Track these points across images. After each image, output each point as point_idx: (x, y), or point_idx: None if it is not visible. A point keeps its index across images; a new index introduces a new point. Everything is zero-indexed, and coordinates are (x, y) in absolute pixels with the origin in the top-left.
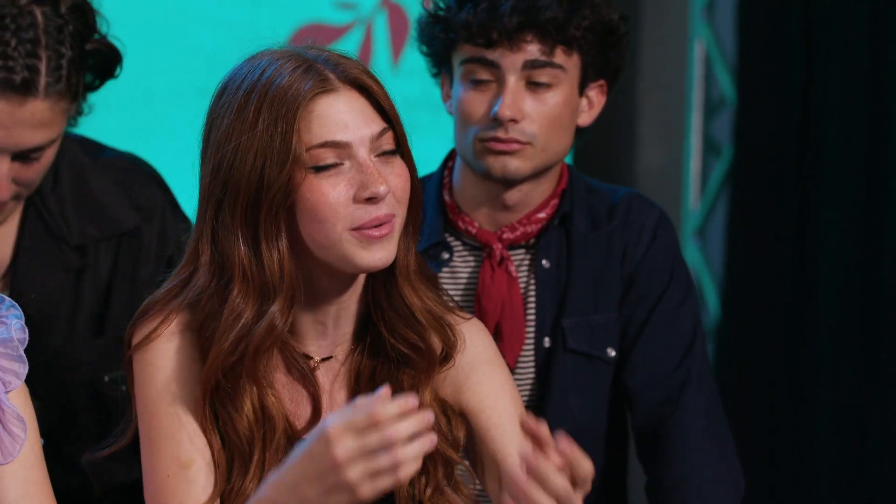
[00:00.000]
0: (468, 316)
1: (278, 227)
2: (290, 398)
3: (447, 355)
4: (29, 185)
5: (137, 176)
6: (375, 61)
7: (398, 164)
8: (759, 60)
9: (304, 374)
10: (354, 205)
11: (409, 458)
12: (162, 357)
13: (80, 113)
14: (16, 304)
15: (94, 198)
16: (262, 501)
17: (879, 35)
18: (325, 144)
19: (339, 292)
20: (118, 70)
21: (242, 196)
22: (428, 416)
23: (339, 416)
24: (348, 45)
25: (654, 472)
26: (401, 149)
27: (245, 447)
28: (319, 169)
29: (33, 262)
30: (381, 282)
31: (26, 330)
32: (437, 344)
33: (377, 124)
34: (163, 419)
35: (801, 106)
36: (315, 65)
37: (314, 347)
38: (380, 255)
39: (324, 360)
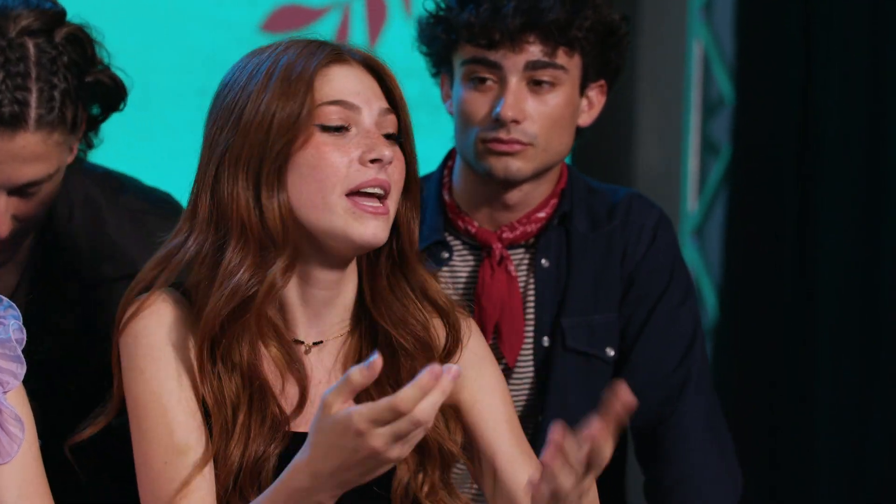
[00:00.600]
0: (466, 314)
1: (281, 180)
2: (277, 382)
3: (451, 348)
4: (30, 221)
5: (154, 218)
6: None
7: (398, 151)
8: (758, 60)
9: (293, 358)
10: (356, 166)
11: (431, 417)
12: (149, 332)
13: (90, 146)
14: (13, 304)
15: (110, 238)
16: (297, 491)
17: (878, 34)
18: (336, 102)
19: (330, 276)
20: (122, 104)
21: (248, 145)
22: (446, 376)
23: (363, 411)
24: (325, 28)
25: (652, 472)
26: (402, 139)
27: (229, 410)
28: (327, 129)
29: (43, 299)
30: (383, 266)
31: (24, 330)
32: (439, 335)
33: (384, 103)
34: (153, 405)
35: (800, 106)
36: (329, 43)
37: (304, 333)
38: (373, 230)
39: (315, 343)
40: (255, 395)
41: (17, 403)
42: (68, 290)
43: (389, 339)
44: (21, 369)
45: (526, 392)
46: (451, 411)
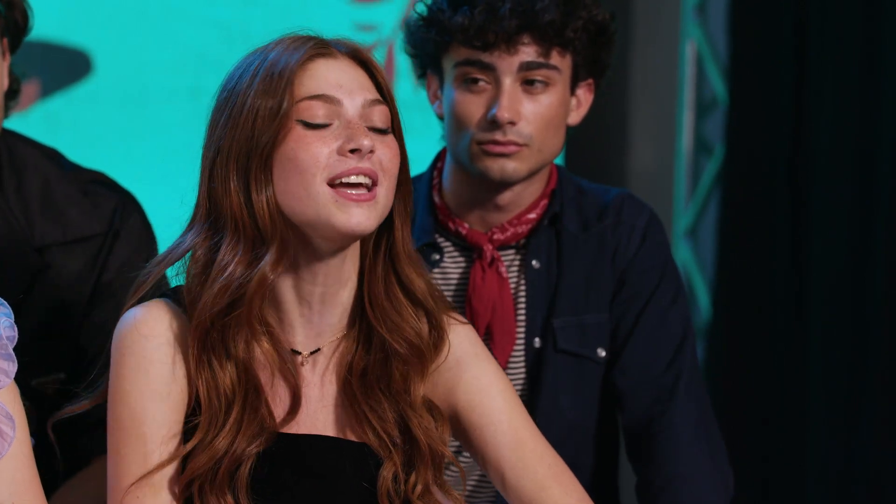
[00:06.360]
0: (463, 320)
1: (268, 177)
2: (268, 383)
3: (436, 344)
4: None
5: (102, 189)
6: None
7: (389, 138)
8: (751, 60)
9: (284, 360)
10: (337, 156)
11: None
12: (138, 348)
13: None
14: (5, 302)
15: (59, 204)
16: None
17: (871, 35)
18: (316, 97)
19: (322, 270)
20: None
21: (235, 147)
22: None
23: None
24: None
25: (644, 472)
26: (394, 130)
27: (222, 403)
28: (308, 125)
29: None
30: (381, 269)
31: (15, 328)
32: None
33: (371, 93)
34: (132, 430)
35: (794, 106)
36: (315, 37)
37: (301, 338)
38: (358, 219)
39: (312, 353)
40: (250, 392)
41: (9, 402)
42: (21, 256)
43: (384, 342)
44: (13, 367)
45: (517, 393)
46: (439, 412)
